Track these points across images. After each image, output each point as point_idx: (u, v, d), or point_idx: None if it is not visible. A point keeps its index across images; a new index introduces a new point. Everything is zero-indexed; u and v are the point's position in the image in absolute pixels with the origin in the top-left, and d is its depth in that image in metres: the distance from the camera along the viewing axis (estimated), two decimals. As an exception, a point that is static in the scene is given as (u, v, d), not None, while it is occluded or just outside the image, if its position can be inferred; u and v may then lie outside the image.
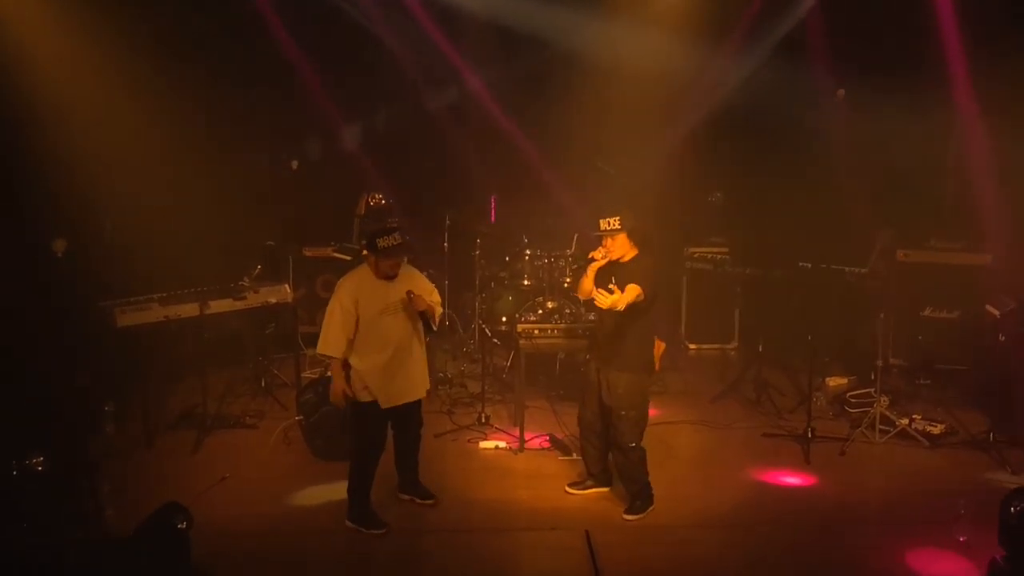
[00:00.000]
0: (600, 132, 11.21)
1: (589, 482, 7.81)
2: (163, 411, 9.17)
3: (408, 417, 7.43)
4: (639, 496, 7.50)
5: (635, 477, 7.48)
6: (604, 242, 7.26)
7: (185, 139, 10.09)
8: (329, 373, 8.97)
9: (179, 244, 9.97)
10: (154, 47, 9.90)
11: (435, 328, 7.36)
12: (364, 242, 7.44)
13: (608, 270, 7.29)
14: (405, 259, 7.25)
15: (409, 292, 7.08)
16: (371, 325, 7.11)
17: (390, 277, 7.10)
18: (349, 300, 7.09)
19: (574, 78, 11.14)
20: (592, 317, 7.49)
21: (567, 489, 7.79)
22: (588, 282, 7.35)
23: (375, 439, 7.27)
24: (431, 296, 7.27)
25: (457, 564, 6.90)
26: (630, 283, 7.03)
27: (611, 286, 7.13)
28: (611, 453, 7.58)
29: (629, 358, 7.29)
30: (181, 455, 8.47)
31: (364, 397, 7.19)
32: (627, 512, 7.46)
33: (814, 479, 8.18)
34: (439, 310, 7.31)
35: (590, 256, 7.39)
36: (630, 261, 7.27)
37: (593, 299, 7.06)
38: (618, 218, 7.18)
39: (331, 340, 7.12)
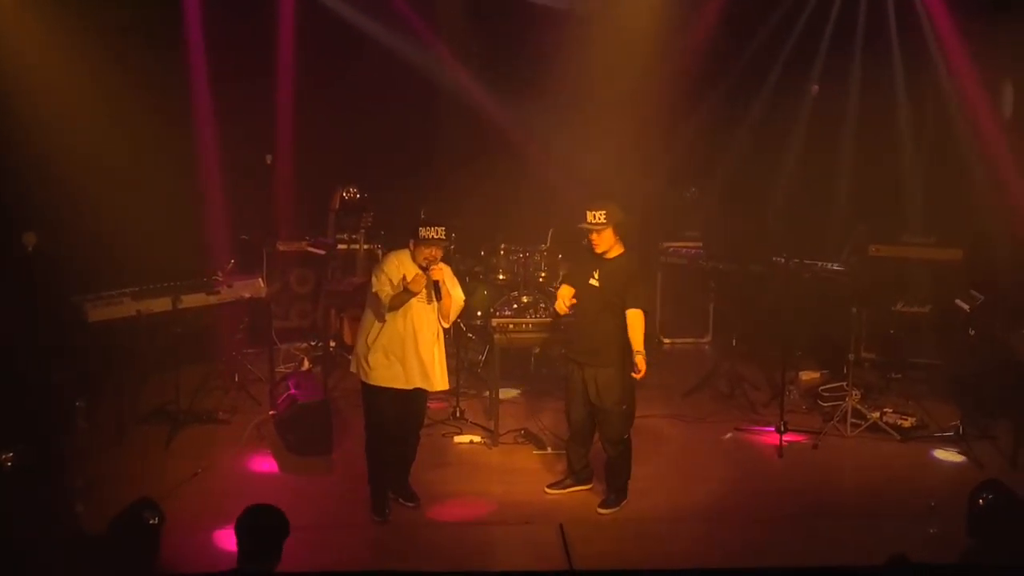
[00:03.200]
0: (575, 127, 11.20)
1: (568, 481, 7.80)
2: (135, 406, 9.11)
3: (408, 410, 7.39)
4: (616, 490, 7.51)
5: (622, 471, 7.49)
6: (590, 236, 7.27)
7: (158, 133, 10.03)
8: (302, 369, 9.02)
9: (152, 238, 9.89)
10: (126, 40, 9.82)
11: (445, 323, 7.40)
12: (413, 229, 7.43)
13: (592, 264, 7.33)
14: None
15: (432, 267, 7.18)
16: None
17: (424, 267, 7.16)
18: (396, 272, 7.18)
19: (550, 71, 11.12)
20: (571, 313, 7.52)
21: (546, 490, 7.78)
22: (563, 305, 7.49)
23: (382, 422, 7.31)
24: (455, 289, 7.38)
25: (431, 558, 6.90)
26: (620, 286, 7.21)
27: (592, 281, 7.27)
28: (603, 447, 7.54)
29: (619, 354, 7.29)
30: (153, 451, 8.42)
31: (370, 379, 7.26)
32: (602, 506, 7.48)
33: (787, 472, 8.23)
34: (455, 301, 7.35)
35: (560, 284, 7.55)
36: (616, 259, 7.31)
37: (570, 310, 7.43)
38: (604, 212, 7.20)
39: (386, 288, 7.13)
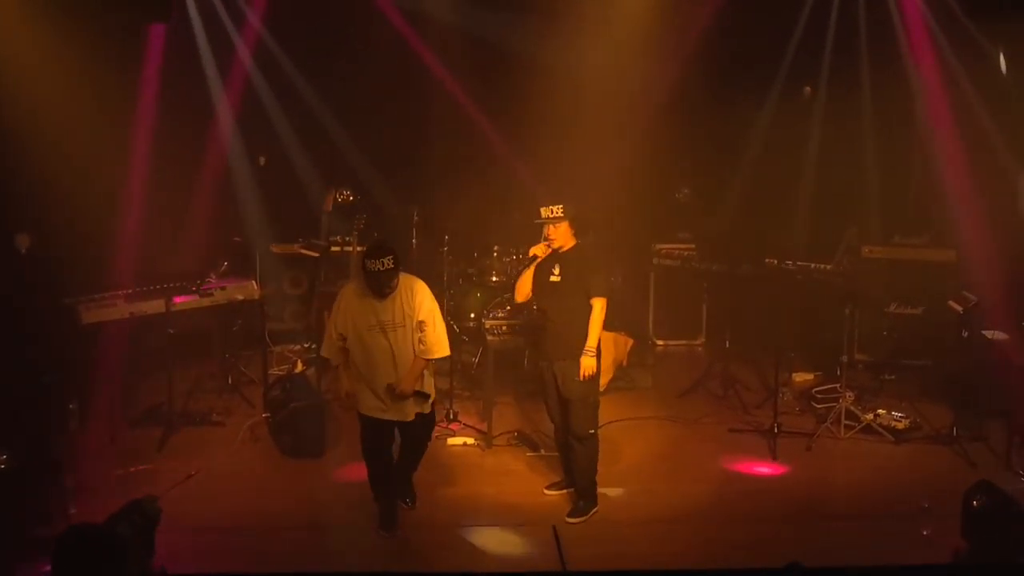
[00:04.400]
0: (567, 127, 11.20)
1: (567, 481, 7.77)
2: (129, 408, 9.09)
3: (407, 430, 7.29)
4: (585, 496, 7.45)
5: (588, 469, 7.44)
6: (546, 231, 7.36)
7: (151, 134, 10.01)
8: (296, 371, 9.01)
9: (145, 240, 9.88)
10: (122, 44, 9.81)
11: (427, 409, 7.24)
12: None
13: (551, 259, 7.38)
14: (398, 277, 6.92)
15: (390, 386, 6.97)
16: (359, 339, 7.04)
17: (381, 296, 6.94)
18: (337, 310, 7.11)
19: (540, 73, 11.11)
20: (535, 314, 7.56)
21: (545, 491, 7.77)
22: (526, 284, 7.48)
23: (372, 447, 7.24)
24: (431, 317, 7.04)
25: (424, 560, 6.91)
26: (578, 276, 7.25)
27: (552, 278, 7.31)
28: (570, 441, 7.51)
29: (580, 344, 7.26)
30: (146, 453, 8.40)
31: (359, 407, 7.19)
32: (570, 515, 7.38)
33: (781, 474, 8.24)
34: (425, 389, 7.15)
35: (531, 253, 7.48)
36: (572, 250, 7.37)
37: (532, 298, 7.48)
38: (561, 206, 7.30)
39: (326, 344, 7.26)
